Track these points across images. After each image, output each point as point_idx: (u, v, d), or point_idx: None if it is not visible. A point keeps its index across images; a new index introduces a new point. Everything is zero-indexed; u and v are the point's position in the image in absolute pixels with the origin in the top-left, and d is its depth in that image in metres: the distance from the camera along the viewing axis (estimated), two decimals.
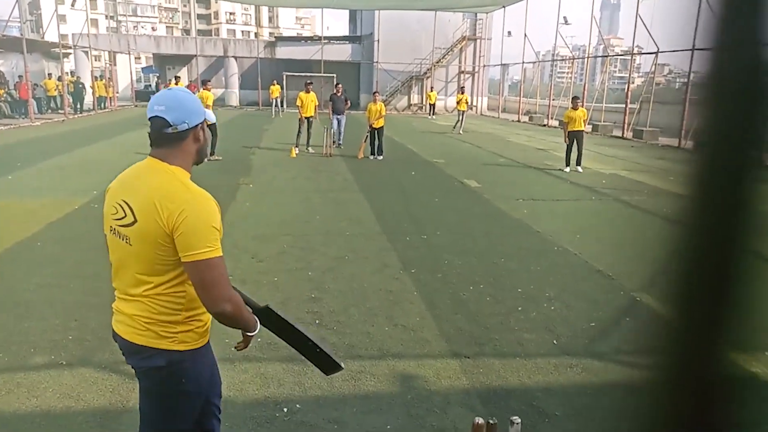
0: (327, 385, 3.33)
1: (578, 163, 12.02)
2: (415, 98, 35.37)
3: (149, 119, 1.82)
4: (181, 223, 1.73)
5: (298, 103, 13.94)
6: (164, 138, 1.83)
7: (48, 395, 3.18)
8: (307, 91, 13.87)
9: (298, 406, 3.17)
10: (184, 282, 1.83)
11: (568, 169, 12.00)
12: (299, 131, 13.99)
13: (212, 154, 13.49)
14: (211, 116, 11.37)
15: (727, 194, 0.46)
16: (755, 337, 0.50)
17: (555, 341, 4.05)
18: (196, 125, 1.87)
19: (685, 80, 17.52)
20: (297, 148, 13.71)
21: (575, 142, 11.97)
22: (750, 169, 0.45)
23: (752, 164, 0.45)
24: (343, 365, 2.29)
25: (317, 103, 14.15)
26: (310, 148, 14.06)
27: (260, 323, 2.00)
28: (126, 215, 1.82)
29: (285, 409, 3.12)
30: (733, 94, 0.46)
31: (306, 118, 13.91)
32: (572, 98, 12.71)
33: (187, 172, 1.87)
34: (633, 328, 4.29)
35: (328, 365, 2.26)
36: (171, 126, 1.80)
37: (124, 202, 1.83)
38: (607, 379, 3.56)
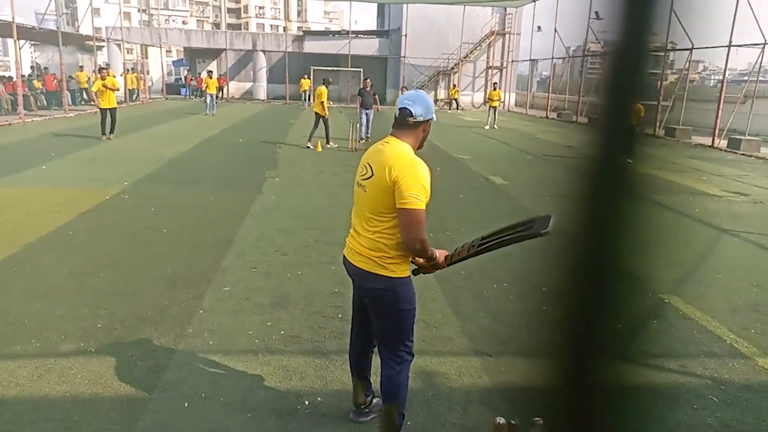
0: (347, 379, 3.33)
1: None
2: (441, 93, 35.18)
3: (399, 109, 2.52)
4: (400, 180, 2.38)
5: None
6: (405, 124, 2.51)
7: (77, 381, 3.26)
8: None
9: (319, 399, 3.18)
10: (397, 228, 2.47)
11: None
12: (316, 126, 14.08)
13: (112, 132, 14.27)
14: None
15: (614, 154, 0.63)
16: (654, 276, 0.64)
17: None
18: (428, 120, 2.55)
19: (720, 77, 17.01)
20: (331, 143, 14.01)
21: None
22: (633, 137, 0.61)
23: (633, 137, 0.61)
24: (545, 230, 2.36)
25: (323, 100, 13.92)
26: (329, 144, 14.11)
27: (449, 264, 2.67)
28: (367, 172, 2.52)
29: (307, 402, 3.14)
30: (623, 80, 0.58)
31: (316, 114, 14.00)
32: None
33: (412, 148, 2.53)
34: (660, 330, 4.19)
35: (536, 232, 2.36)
36: (413, 117, 2.49)
37: (368, 164, 2.53)
38: (634, 381, 3.49)
